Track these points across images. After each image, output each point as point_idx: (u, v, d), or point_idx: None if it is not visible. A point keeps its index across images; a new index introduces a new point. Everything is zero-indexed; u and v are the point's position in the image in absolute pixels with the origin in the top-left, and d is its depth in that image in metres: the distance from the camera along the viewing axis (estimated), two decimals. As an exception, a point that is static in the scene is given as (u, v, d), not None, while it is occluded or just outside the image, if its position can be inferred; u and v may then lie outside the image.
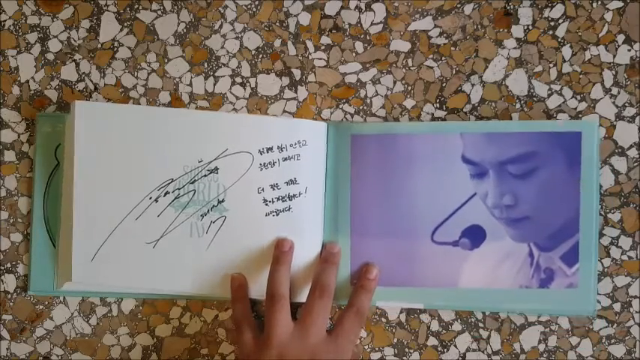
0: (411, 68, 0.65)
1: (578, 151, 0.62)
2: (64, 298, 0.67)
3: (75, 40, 0.67)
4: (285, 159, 0.64)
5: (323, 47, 0.66)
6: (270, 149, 0.64)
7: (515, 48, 0.65)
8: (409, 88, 0.65)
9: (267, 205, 0.64)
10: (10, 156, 0.67)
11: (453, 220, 0.63)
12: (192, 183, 0.64)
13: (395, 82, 0.65)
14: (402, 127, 0.64)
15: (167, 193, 0.64)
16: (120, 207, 0.64)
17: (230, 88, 0.66)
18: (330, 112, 0.66)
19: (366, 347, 0.66)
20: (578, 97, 0.64)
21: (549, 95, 0.64)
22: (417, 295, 0.64)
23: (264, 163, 0.64)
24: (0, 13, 0.67)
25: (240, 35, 0.66)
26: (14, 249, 0.67)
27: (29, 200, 0.67)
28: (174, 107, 0.66)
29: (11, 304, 0.67)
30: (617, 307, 0.64)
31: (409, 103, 0.65)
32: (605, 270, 0.64)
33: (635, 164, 0.64)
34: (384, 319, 0.65)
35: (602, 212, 0.64)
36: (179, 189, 0.64)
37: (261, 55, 0.66)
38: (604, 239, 0.64)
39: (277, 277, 0.62)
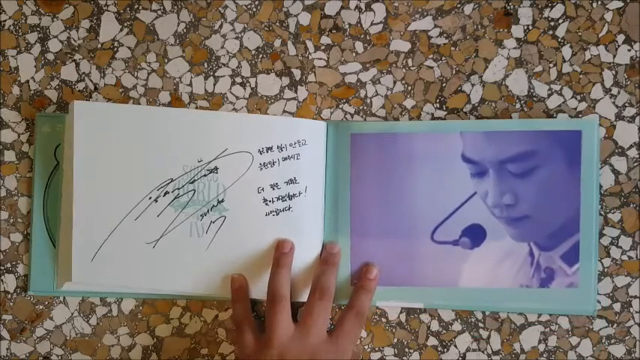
0: (411, 68, 0.65)
1: (578, 149, 0.62)
2: (64, 298, 0.67)
3: (75, 40, 0.67)
4: (285, 158, 0.64)
5: (323, 47, 0.66)
6: (269, 149, 0.64)
7: (515, 48, 0.65)
8: (409, 88, 0.65)
9: (267, 204, 0.64)
10: (10, 156, 0.67)
11: (453, 219, 0.63)
12: (192, 183, 0.64)
13: (395, 82, 0.65)
14: (402, 126, 0.64)
15: (167, 193, 0.64)
16: (120, 207, 0.64)
17: (230, 88, 0.66)
18: (330, 112, 0.66)
19: (366, 347, 0.66)
20: (578, 97, 0.64)
21: (549, 95, 0.64)
22: (417, 295, 0.64)
23: (264, 163, 0.64)
24: (0, 13, 0.67)
25: (240, 35, 0.66)
26: (14, 249, 0.67)
27: (29, 200, 0.67)
28: (174, 107, 0.66)
29: (11, 304, 0.67)
30: (617, 307, 0.64)
31: (409, 103, 0.65)
32: (605, 270, 0.64)
33: (635, 164, 0.64)
34: (384, 319, 0.65)
35: (602, 212, 0.64)
36: (179, 189, 0.64)
37: (261, 55, 0.66)
38: (604, 239, 0.64)
39: (278, 279, 0.62)
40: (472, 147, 0.63)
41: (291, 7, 0.66)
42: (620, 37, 0.64)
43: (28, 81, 0.67)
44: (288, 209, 0.64)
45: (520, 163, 0.62)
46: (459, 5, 0.65)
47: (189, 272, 0.64)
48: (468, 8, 0.65)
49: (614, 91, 0.64)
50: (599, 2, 0.64)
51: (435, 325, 0.65)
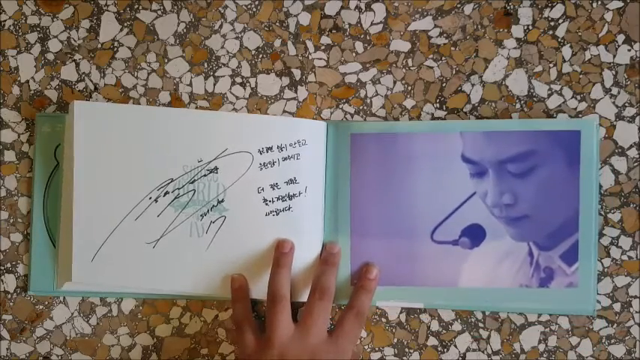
0: (411, 68, 0.65)
1: (577, 149, 0.62)
2: (64, 298, 0.67)
3: (75, 40, 0.67)
4: (285, 158, 0.64)
5: (323, 47, 0.66)
6: (269, 149, 0.64)
7: (515, 48, 0.65)
8: (409, 88, 0.65)
9: (267, 204, 0.64)
10: (10, 156, 0.67)
11: (452, 219, 0.63)
12: (192, 183, 0.64)
13: (395, 82, 0.65)
14: (402, 126, 0.64)
15: (167, 193, 0.64)
16: (120, 207, 0.64)
17: (230, 88, 0.66)
18: (330, 112, 0.66)
19: (366, 347, 0.66)
20: (578, 97, 0.64)
21: (549, 95, 0.64)
22: (417, 295, 0.64)
23: (264, 163, 0.64)
24: (0, 13, 0.67)
25: (240, 35, 0.66)
26: (14, 249, 0.67)
27: (29, 200, 0.67)
28: (174, 107, 0.66)
29: (11, 304, 0.67)
30: (617, 307, 0.64)
31: (409, 103, 0.65)
32: (605, 270, 0.64)
33: (635, 164, 0.64)
34: (384, 319, 0.65)
35: (602, 212, 0.64)
36: (179, 189, 0.64)
37: (261, 55, 0.66)
38: (604, 239, 0.64)
39: (278, 279, 0.62)
40: (472, 147, 0.63)
41: (291, 7, 0.66)
42: (620, 37, 0.64)
43: (28, 81, 0.67)
44: (288, 209, 0.64)
45: (520, 163, 0.62)
46: (459, 5, 0.65)
47: (189, 272, 0.64)
48: (468, 8, 0.65)
49: (614, 91, 0.64)
50: (599, 2, 0.64)
51: (435, 325, 0.65)
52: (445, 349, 0.65)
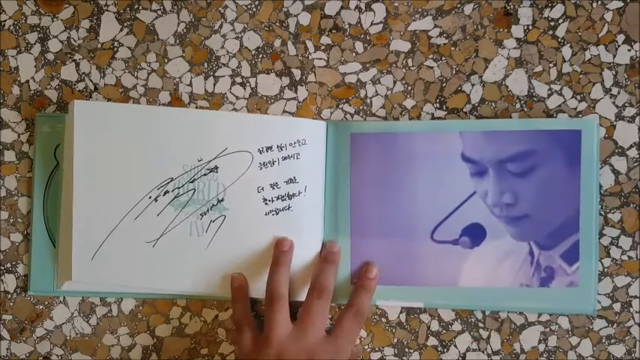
0: (411, 68, 0.65)
1: (577, 149, 0.62)
2: (64, 298, 0.67)
3: (75, 40, 0.67)
4: (285, 158, 0.64)
5: (323, 47, 0.66)
6: (269, 148, 0.64)
7: (515, 48, 0.65)
8: (409, 88, 0.65)
9: (266, 204, 0.64)
10: (10, 156, 0.67)
11: (452, 218, 0.63)
12: (192, 182, 0.64)
13: (395, 82, 0.65)
14: (402, 125, 0.64)
15: (167, 192, 0.64)
16: (119, 206, 0.64)
17: (230, 88, 0.66)
18: (330, 112, 0.66)
19: (366, 347, 0.65)
20: (578, 97, 0.64)
21: (549, 95, 0.64)
22: (417, 294, 0.64)
23: (264, 162, 0.64)
24: (0, 13, 0.67)
25: (240, 35, 0.66)
26: (14, 249, 0.67)
27: (29, 200, 0.67)
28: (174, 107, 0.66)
29: (11, 304, 0.67)
30: (617, 307, 0.64)
31: (409, 103, 0.65)
32: (605, 270, 0.64)
33: (635, 164, 0.64)
34: (384, 319, 0.65)
35: (602, 212, 0.64)
36: (179, 188, 0.64)
37: (261, 55, 0.66)
38: (604, 239, 0.64)
39: (277, 278, 0.62)
40: (472, 146, 0.63)
41: (291, 7, 0.66)
42: (620, 37, 0.64)
43: (28, 81, 0.67)
44: (288, 209, 0.64)
45: (520, 162, 0.62)
46: (459, 5, 0.65)
47: (189, 271, 0.64)
48: (468, 8, 0.65)
49: (614, 91, 0.64)
50: (599, 2, 0.64)
51: (435, 325, 0.65)
52: (445, 349, 0.65)
